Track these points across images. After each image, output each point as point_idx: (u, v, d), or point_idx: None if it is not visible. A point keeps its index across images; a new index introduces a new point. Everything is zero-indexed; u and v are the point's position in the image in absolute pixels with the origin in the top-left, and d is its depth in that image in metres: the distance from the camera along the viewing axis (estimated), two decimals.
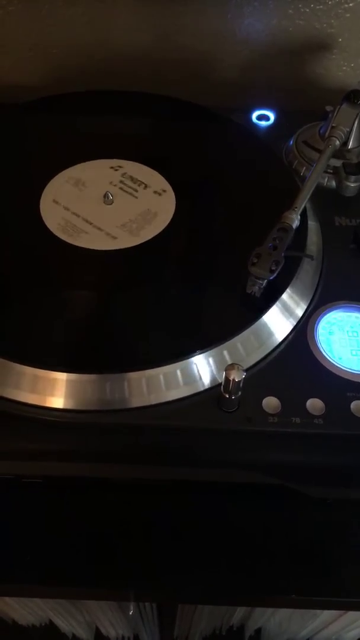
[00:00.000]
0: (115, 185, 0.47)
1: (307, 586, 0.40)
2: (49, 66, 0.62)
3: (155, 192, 0.46)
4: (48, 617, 0.66)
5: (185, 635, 0.68)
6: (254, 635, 0.72)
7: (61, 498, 0.41)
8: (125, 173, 0.48)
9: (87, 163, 0.48)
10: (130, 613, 0.54)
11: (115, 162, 0.49)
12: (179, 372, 0.35)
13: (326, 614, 0.59)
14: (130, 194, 0.46)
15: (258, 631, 0.72)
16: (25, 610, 0.64)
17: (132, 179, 0.47)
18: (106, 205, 0.45)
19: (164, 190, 0.46)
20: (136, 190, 0.46)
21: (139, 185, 0.47)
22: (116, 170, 0.48)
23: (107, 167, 0.48)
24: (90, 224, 0.44)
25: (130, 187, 0.47)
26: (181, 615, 0.60)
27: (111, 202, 0.45)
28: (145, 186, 0.47)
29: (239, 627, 0.71)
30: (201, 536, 0.41)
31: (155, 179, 0.47)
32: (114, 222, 0.44)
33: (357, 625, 0.62)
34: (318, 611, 0.58)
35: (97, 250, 0.42)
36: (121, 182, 0.47)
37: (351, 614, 0.58)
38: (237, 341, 0.37)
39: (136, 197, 0.46)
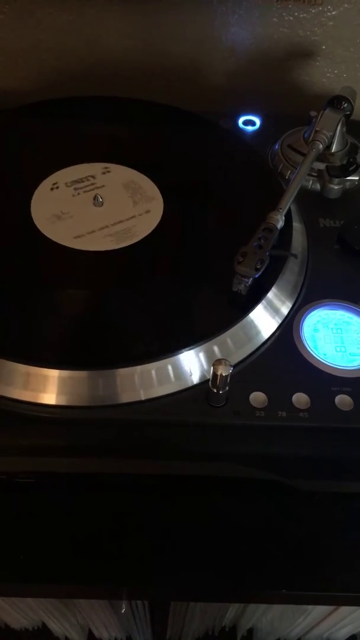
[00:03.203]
0: (104, 189, 0.47)
1: (298, 581, 0.40)
2: (39, 72, 0.63)
3: (143, 195, 0.47)
4: (41, 619, 0.66)
5: (178, 636, 0.68)
6: (246, 635, 0.72)
7: (53, 498, 0.42)
8: (114, 177, 0.49)
9: (77, 166, 0.49)
10: (123, 611, 0.54)
11: (104, 165, 0.50)
12: (167, 369, 0.36)
13: (317, 611, 0.60)
14: (119, 196, 0.47)
15: (250, 631, 0.72)
16: (18, 613, 0.64)
17: (121, 182, 0.48)
18: (96, 207, 0.46)
19: (153, 194, 0.47)
20: (125, 194, 0.47)
21: (127, 189, 0.48)
22: (105, 173, 0.49)
23: (96, 171, 0.49)
24: (80, 224, 0.45)
25: (119, 190, 0.48)
26: (173, 615, 0.60)
27: (101, 205, 0.46)
28: (134, 190, 0.48)
29: (231, 627, 0.72)
30: (192, 534, 0.41)
31: (144, 183, 0.48)
32: (104, 223, 0.45)
33: (348, 622, 0.62)
34: (309, 608, 0.58)
35: (88, 251, 0.43)
36: (110, 185, 0.48)
37: (342, 611, 0.59)
38: (225, 338, 0.38)
39: (125, 200, 0.47)
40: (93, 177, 0.49)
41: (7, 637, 0.70)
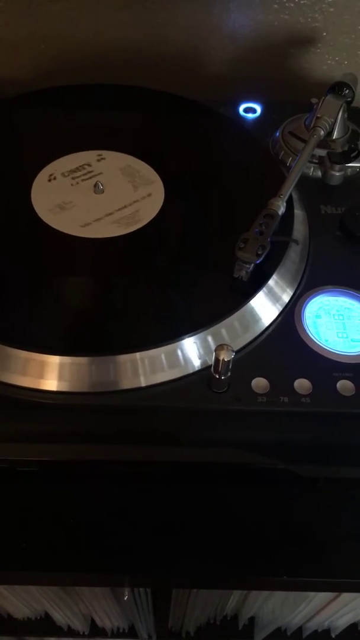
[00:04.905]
0: (105, 176, 0.47)
1: (300, 568, 0.40)
2: (37, 61, 0.62)
3: (144, 182, 0.47)
4: (44, 608, 0.67)
5: (180, 624, 0.69)
6: (247, 624, 0.72)
7: (56, 486, 0.42)
8: (110, 163, 0.48)
9: (77, 154, 0.49)
10: (125, 598, 0.55)
11: (104, 153, 0.49)
12: (169, 355, 0.36)
13: (318, 599, 0.60)
14: (120, 184, 0.47)
15: (251, 620, 0.72)
16: (21, 602, 0.64)
17: (121, 170, 0.48)
18: (96, 195, 0.46)
19: (153, 181, 0.47)
20: (126, 181, 0.47)
21: (128, 176, 0.48)
22: (100, 160, 0.49)
23: (97, 159, 0.49)
24: (81, 212, 0.44)
25: (120, 178, 0.47)
26: (175, 603, 0.61)
27: (101, 192, 0.46)
28: (135, 177, 0.48)
29: (233, 616, 0.72)
30: (194, 521, 0.41)
31: (145, 170, 0.48)
32: (104, 210, 0.45)
33: (349, 610, 0.63)
34: (311, 595, 0.59)
35: (88, 238, 0.42)
36: (108, 172, 0.48)
37: (343, 598, 0.59)
38: (226, 324, 0.37)
39: (125, 188, 0.47)
40: (89, 165, 0.48)
41: (10, 626, 0.70)
